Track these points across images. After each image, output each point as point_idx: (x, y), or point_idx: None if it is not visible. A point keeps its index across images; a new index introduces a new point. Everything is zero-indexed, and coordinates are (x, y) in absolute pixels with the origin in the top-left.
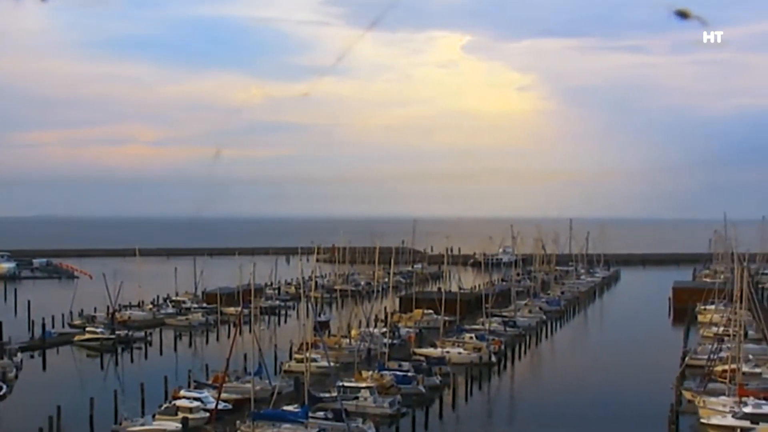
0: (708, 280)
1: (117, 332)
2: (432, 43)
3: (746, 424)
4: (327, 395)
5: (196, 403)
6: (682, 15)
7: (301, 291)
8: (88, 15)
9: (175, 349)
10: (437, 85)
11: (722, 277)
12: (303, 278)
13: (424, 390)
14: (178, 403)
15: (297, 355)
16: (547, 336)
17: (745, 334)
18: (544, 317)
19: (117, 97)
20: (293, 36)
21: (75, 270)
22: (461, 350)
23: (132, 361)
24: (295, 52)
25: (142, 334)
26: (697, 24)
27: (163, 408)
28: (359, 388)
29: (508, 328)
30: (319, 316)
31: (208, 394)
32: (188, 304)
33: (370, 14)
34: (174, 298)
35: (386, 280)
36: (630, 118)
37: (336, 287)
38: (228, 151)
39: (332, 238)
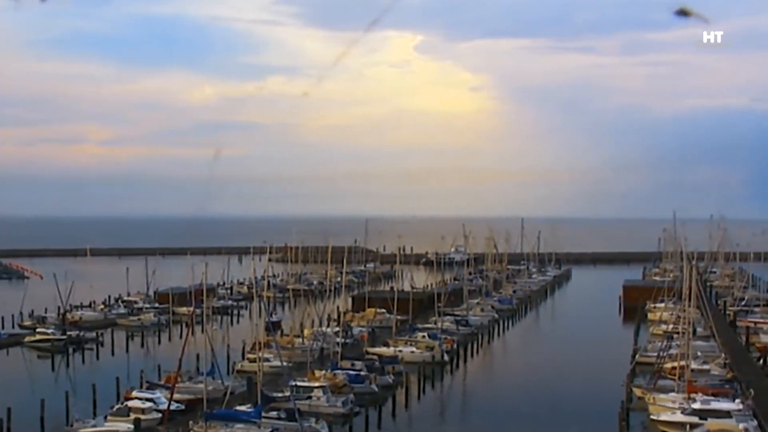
0: (658, 278)
1: (68, 333)
2: (385, 43)
3: (695, 419)
4: (280, 395)
5: (148, 404)
6: (683, 14)
7: (254, 291)
8: (39, 12)
9: (127, 350)
10: (390, 85)
11: (671, 275)
12: (255, 278)
13: (377, 389)
14: (131, 403)
15: (250, 355)
16: (499, 334)
17: (694, 332)
18: (496, 316)
19: (68, 95)
20: (246, 35)
21: (25, 270)
22: (414, 349)
23: (83, 362)
24: (248, 51)
25: (94, 334)
26: (642, 26)
27: (115, 409)
28: (312, 388)
29: (460, 327)
30: (271, 316)
31: (160, 395)
32: (140, 305)
33: (322, 13)
34: (126, 298)
35: (339, 279)
36: (581, 118)
37: (289, 287)
38: (180, 151)
39: (285, 237)
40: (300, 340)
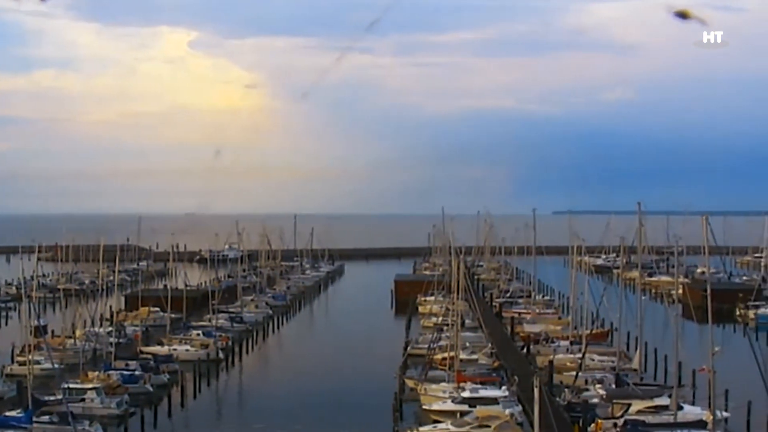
0: (428, 272)
1: None
2: (158, 38)
3: (465, 407)
4: (52, 398)
5: None
6: (682, 15)
7: (22, 291)
8: None
9: None
10: (164, 81)
11: (441, 269)
12: (24, 278)
13: (151, 389)
14: None
15: (19, 358)
16: (273, 331)
17: (463, 323)
18: (271, 312)
19: None
20: (17, 26)
21: None
22: (189, 347)
23: None
24: (19, 44)
25: None
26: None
27: None
28: (85, 389)
29: (234, 324)
30: (39, 318)
31: None
32: None
33: (95, 6)
34: None
35: (111, 278)
36: (355, 116)
37: (59, 286)
38: None
39: (54, 235)
40: (72, 340)
